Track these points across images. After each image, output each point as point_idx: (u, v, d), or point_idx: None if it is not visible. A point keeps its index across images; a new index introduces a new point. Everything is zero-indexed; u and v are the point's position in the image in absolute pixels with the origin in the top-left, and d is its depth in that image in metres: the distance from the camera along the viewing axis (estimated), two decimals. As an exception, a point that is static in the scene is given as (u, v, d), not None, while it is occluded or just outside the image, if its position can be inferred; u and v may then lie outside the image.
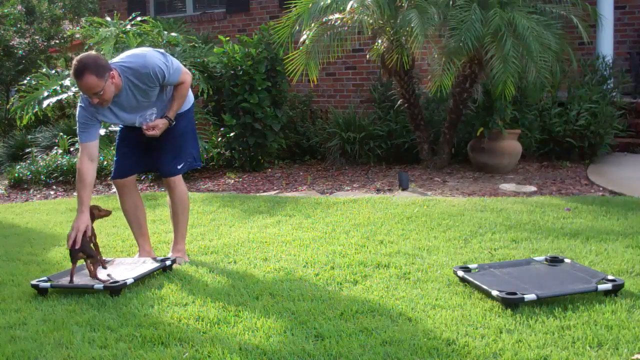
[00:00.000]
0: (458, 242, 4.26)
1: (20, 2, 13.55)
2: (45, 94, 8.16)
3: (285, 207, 5.74)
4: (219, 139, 8.28)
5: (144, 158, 4.21)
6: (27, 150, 9.71)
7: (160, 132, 3.95)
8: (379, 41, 7.10)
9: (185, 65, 7.89)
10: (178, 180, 4.16)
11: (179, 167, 4.15)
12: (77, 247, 3.58)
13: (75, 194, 7.77)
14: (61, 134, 9.46)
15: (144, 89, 3.82)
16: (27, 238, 5.24)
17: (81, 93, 3.75)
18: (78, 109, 3.88)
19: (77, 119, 3.88)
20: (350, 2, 6.62)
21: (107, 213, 3.93)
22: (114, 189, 7.82)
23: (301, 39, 6.96)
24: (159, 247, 4.61)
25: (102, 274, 3.77)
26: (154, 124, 3.94)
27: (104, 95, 3.67)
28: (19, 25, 13.20)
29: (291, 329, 2.87)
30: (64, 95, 8.24)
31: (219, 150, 8.27)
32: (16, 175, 8.48)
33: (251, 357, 2.62)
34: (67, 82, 8.37)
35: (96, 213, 3.82)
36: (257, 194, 6.69)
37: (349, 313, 3.02)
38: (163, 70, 3.79)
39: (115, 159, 4.23)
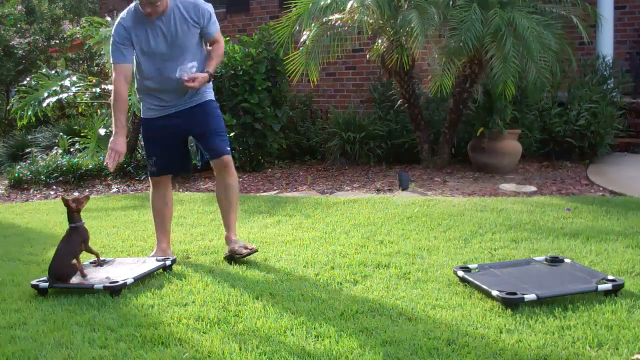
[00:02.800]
0: (458, 242, 4.26)
1: (20, 2, 13.54)
2: (45, 94, 8.16)
3: (285, 207, 5.74)
4: (219, 139, 8.27)
5: (181, 154, 4.19)
6: (27, 150, 9.71)
7: (199, 87, 3.88)
8: (379, 41, 7.10)
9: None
10: (232, 162, 4.09)
11: (228, 147, 4.09)
12: (111, 165, 3.74)
13: (75, 193, 7.81)
14: (61, 134, 9.46)
15: (186, 24, 3.80)
16: (27, 238, 5.24)
17: (123, 13, 3.76)
18: (116, 27, 3.82)
19: (113, 38, 3.81)
20: (350, 2, 6.62)
21: (86, 197, 3.83)
22: (114, 189, 7.87)
23: (301, 39, 6.96)
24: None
25: (101, 274, 3.77)
26: (195, 76, 3.85)
27: (159, 7, 3.69)
28: (19, 26, 13.20)
29: (291, 329, 2.87)
30: (64, 95, 8.25)
31: (219, 150, 8.25)
32: (16, 175, 8.48)
33: (251, 357, 2.62)
34: (67, 82, 8.38)
35: (80, 207, 3.73)
36: (257, 194, 6.70)
37: (349, 313, 3.02)
38: (210, 12, 3.86)
39: (150, 158, 4.12)
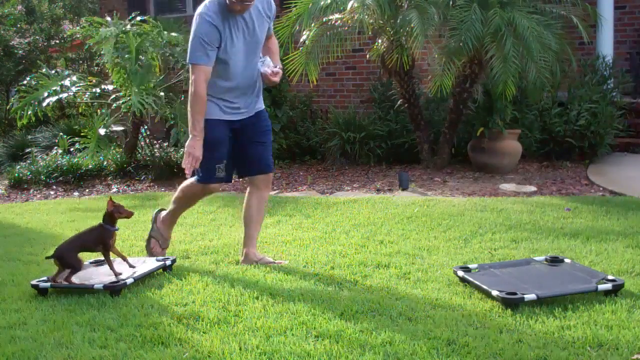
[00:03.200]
0: (458, 242, 4.26)
1: (20, 2, 13.54)
2: (45, 94, 8.16)
3: (285, 207, 5.73)
4: (219, 139, 8.27)
5: (234, 162, 3.96)
6: (27, 150, 9.71)
7: (278, 81, 3.81)
8: (379, 41, 7.10)
9: (185, 66, 7.97)
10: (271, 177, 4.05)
11: (271, 165, 4.05)
12: (188, 174, 3.63)
13: (75, 193, 7.81)
14: (61, 134, 9.46)
15: (261, 18, 3.69)
16: (27, 238, 5.24)
17: (206, 8, 3.53)
18: (202, 25, 3.55)
19: (199, 37, 3.55)
20: (351, 2, 6.62)
21: (129, 214, 3.72)
22: (114, 189, 7.86)
23: (301, 39, 6.96)
24: (159, 247, 4.61)
25: (98, 274, 3.76)
26: (278, 70, 3.74)
27: (252, 4, 3.56)
28: (19, 26, 13.20)
29: (291, 329, 2.87)
30: (64, 95, 8.24)
31: (219, 150, 8.25)
32: (16, 175, 8.48)
33: (251, 357, 2.62)
34: (67, 82, 8.38)
35: (116, 214, 3.65)
36: (257, 194, 6.69)
37: (349, 313, 3.02)
38: (274, 7, 3.78)
39: (220, 162, 3.82)
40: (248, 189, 4.09)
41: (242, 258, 4.01)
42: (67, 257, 3.56)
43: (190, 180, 3.94)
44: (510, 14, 6.23)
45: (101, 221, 3.67)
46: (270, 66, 3.75)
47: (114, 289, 3.47)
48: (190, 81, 3.66)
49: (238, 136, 3.87)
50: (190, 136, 3.64)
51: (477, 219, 4.84)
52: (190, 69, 3.68)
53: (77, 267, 3.59)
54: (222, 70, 3.68)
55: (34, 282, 3.61)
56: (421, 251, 4.07)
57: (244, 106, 3.84)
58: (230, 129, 3.83)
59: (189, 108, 3.65)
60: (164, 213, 4.22)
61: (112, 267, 3.64)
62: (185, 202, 4.11)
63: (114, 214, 3.63)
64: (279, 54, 3.94)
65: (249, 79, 3.77)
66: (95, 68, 12.43)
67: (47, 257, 3.65)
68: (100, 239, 3.65)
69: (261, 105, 3.97)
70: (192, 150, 3.63)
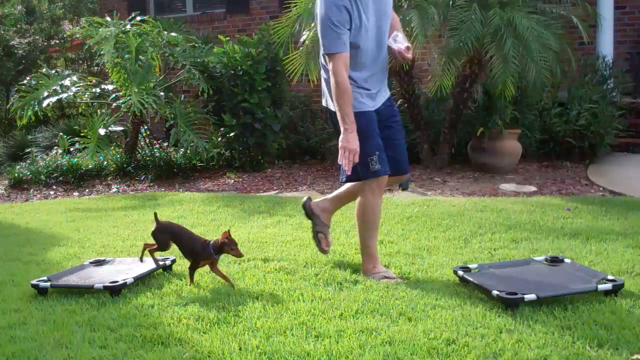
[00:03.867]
0: (458, 242, 4.26)
1: (20, 2, 13.56)
2: (45, 94, 8.17)
3: (285, 207, 5.73)
4: (219, 139, 8.29)
5: None
6: (27, 150, 9.71)
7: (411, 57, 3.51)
8: (379, 41, 7.09)
9: (185, 66, 7.99)
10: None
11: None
12: (348, 171, 3.33)
13: (75, 193, 7.81)
14: (61, 134, 9.46)
15: None
16: (27, 238, 5.24)
17: None
18: (330, 7, 3.28)
19: (329, 22, 3.29)
20: (351, 2, 6.61)
21: (238, 254, 3.57)
22: (114, 189, 7.86)
23: (301, 39, 6.96)
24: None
25: (98, 274, 3.76)
26: (409, 45, 3.45)
27: None
28: (19, 26, 13.22)
29: (291, 329, 2.87)
30: (64, 95, 8.25)
31: (219, 150, 8.28)
32: (16, 175, 8.48)
33: (251, 357, 2.62)
34: (67, 82, 8.38)
35: (225, 248, 3.52)
36: (257, 194, 6.69)
37: (349, 313, 3.02)
38: None
39: (373, 154, 3.47)
40: None
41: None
42: (163, 235, 3.64)
43: (359, 198, 3.62)
44: (510, 14, 6.23)
45: (212, 240, 3.57)
46: (403, 42, 3.45)
47: (114, 289, 3.47)
48: (329, 73, 3.38)
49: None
50: (342, 130, 3.35)
51: (477, 219, 4.84)
52: (326, 60, 3.42)
53: (163, 247, 3.68)
54: (357, 53, 3.39)
55: (34, 282, 3.61)
56: (421, 251, 4.07)
57: (378, 90, 3.57)
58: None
59: (335, 101, 3.38)
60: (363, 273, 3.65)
61: (191, 278, 3.57)
62: (372, 219, 3.61)
63: (223, 247, 3.51)
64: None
65: (382, 57, 3.49)
66: (95, 68, 12.44)
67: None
68: (195, 253, 3.56)
69: (387, 91, 3.69)
70: (346, 144, 3.32)
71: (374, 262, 3.61)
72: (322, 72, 3.62)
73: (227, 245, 3.52)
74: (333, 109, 3.51)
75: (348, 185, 3.83)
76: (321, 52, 3.48)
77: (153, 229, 3.69)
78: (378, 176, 3.50)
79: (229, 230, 3.54)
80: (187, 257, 3.67)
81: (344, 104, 3.32)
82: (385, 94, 3.65)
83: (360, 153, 3.38)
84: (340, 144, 3.36)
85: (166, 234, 3.66)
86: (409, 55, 3.46)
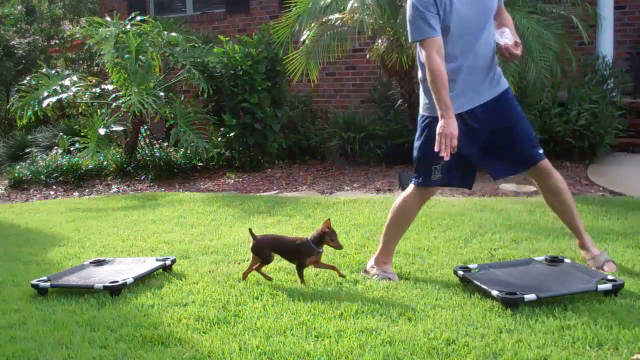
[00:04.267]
0: (458, 242, 4.26)
1: (20, 2, 13.56)
2: (45, 94, 8.17)
3: (285, 207, 5.73)
4: (219, 139, 8.29)
5: (467, 164, 3.43)
6: (27, 150, 9.71)
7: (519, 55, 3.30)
8: (379, 41, 7.10)
9: (185, 66, 7.99)
10: (549, 163, 3.44)
11: (540, 151, 3.41)
12: (448, 155, 3.12)
13: (75, 193, 7.81)
14: (61, 134, 9.47)
15: None
16: (27, 238, 5.24)
17: None
18: None
19: (413, 7, 3.17)
20: (351, 2, 6.62)
21: (338, 246, 3.51)
22: (114, 189, 7.86)
23: (301, 39, 6.96)
24: (159, 247, 4.61)
25: (98, 274, 3.76)
26: (518, 41, 3.24)
27: None
28: (19, 26, 13.22)
29: (291, 329, 2.87)
30: (64, 95, 8.25)
31: (219, 150, 8.28)
32: (16, 175, 8.48)
33: (251, 357, 2.62)
34: (67, 82, 8.38)
35: (327, 238, 3.45)
36: (257, 194, 6.69)
37: (349, 313, 3.02)
38: None
39: (438, 162, 3.30)
40: (535, 182, 3.59)
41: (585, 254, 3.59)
42: (263, 249, 3.52)
43: (402, 194, 3.60)
44: (510, 14, 6.22)
45: (309, 235, 3.51)
46: (510, 38, 3.26)
47: (114, 289, 3.47)
48: (422, 60, 3.23)
49: (489, 131, 3.35)
50: (439, 116, 3.16)
51: (477, 219, 4.84)
52: (417, 48, 3.28)
53: (267, 261, 3.55)
54: (449, 45, 3.21)
55: (34, 282, 3.61)
56: (421, 251, 4.07)
57: (474, 92, 3.33)
58: (463, 125, 3.25)
59: (430, 89, 3.21)
60: (372, 261, 3.67)
61: (302, 278, 3.50)
62: (401, 217, 3.59)
63: (324, 238, 3.45)
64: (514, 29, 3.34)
65: (485, 54, 3.28)
66: (95, 68, 12.45)
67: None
68: (299, 253, 3.51)
69: (503, 85, 3.41)
70: (442, 130, 3.12)
71: (386, 259, 3.62)
72: (419, 72, 3.39)
73: (328, 235, 3.43)
74: (422, 113, 3.42)
75: (557, 185, 3.49)
76: (417, 49, 3.30)
77: (251, 245, 3.57)
78: (428, 186, 3.44)
79: (329, 219, 3.46)
80: (292, 261, 3.58)
81: (438, 90, 3.14)
82: (491, 92, 3.37)
83: (426, 158, 3.32)
84: (437, 131, 3.16)
85: (266, 247, 3.54)
86: (517, 52, 3.26)
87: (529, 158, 3.40)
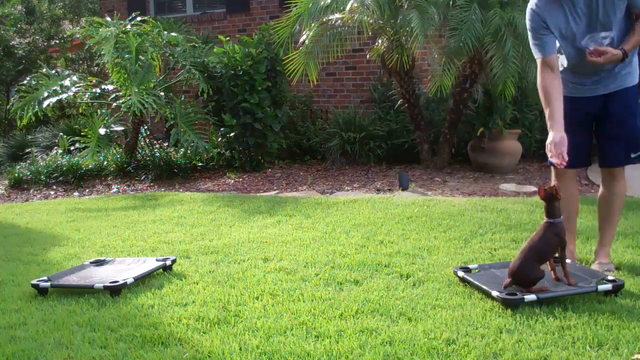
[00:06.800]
0: (458, 242, 4.26)
1: (20, 2, 13.56)
2: (45, 94, 8.17)
3: (285, 207, 5.74)
4: (219, 139, 8.29)
5: (591, 147, 3.65)
6: (27, 150, 9.72)
7: (605, 63, 3.31)
8: (379, 41, 7.10)
9: (185, 66, 7.99)
10: (622, 172, 3.58)
11: (632, 155, 3.49)
12: (562, 162, 3.17)
13: (75, 193, 7.81)
14: (61, 134, 9.47)
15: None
16: (27, 238, 5.24)
17: None
18: (528, 13, 3.42)
19: (528, 29, 3.46)
20: (351, 2, 6.62)
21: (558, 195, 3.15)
22: (114, 189, 7.86)
23: (301, 39, 6.97)
24: (159, 246, 4.61)
25: (98, 274, 3.76)
26: (604, 49, 3.28)
27: None
28: (19, 26, 13.22)
29: (291, 329, 2.87)
30: (64, 95, 8.25)
31: (219, 150, 8.28)
32: (16, 175, 8.48)
33: (251, 357, 2.62)
34: (67, 82, 8.38)
35: (555, 195, 3.13)
36: (257, 194, 6.70)
37: (349, 313, 3.02)
38: None
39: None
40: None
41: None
42: (526, 275, 3.08)
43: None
44: (510, 14, 6.23)
45: (547, 218, 3.15)
46: (595, 42, 3.33)
47: (114, 289, 3.47)
48: None
49: (600, 118, 3.52)
50: (548, 126, 3.35)
51: (477, 219, 4.85)
52: None
53: (540, 276, 3.08)
54: (564, 56, 3.47)
55: (34, 282, 3.61)
56: (421, 251, 4.07)
57: (590, 83, 3.48)
58: (581, 110, 3.49)
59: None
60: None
61: (566, 273, 3.15)
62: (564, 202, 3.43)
63: (555, 196, 3.12)
64: (637, 37, 3.33)
65: (590, 45, 3.36)
66: (95, 68, 12.46)
67: (506, 287, 3.08)
68: (556, 239, 3.15)
69: (623, 84, 3.45)
70: (548, 143, 3.30)
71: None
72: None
73: (556, 192, 3.14)
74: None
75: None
76: None
77: (513, 283, 3.15)
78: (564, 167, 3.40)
79: (544, 189, 3.16)
80: (556, 251, 3.18)
81: (544, 106, 3.39)
82: (606, 89, 3.48)
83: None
84: (547, 142, 3.35)
85: (528, 269, 3.10)
86: (593, 58, 3.31)
87: (606, 160, 3.70)
